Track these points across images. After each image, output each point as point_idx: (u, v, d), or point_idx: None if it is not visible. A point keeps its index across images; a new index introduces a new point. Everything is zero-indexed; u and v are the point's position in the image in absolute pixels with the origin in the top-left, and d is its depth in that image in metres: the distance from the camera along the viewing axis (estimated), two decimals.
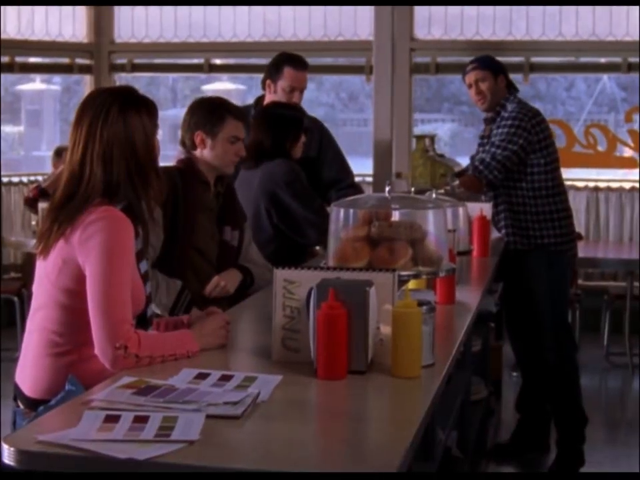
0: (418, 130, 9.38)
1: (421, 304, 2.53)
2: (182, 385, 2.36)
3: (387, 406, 2.39)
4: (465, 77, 5.11)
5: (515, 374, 6.69)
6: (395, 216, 2.97)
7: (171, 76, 15.46)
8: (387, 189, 3.01)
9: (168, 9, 8.71)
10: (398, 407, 2.37)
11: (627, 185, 8.26)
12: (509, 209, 5.05)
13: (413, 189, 4.37)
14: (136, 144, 2.71)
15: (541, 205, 5.03)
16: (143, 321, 2.85)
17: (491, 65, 5.11)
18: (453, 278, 3.33)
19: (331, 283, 2.50)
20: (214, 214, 3.94)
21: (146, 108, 2.76)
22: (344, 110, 18.97)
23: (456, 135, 18.72)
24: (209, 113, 3.87)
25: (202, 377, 2.44)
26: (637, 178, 8.03)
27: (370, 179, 8.49)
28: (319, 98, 19.19)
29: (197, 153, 3.90)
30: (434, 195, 4.14)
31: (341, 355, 2.44)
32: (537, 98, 17.77)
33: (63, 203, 2.69)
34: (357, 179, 7.55)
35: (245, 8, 8.57)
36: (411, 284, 2.96)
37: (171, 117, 17.79)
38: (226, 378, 2.42)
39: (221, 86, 13.97)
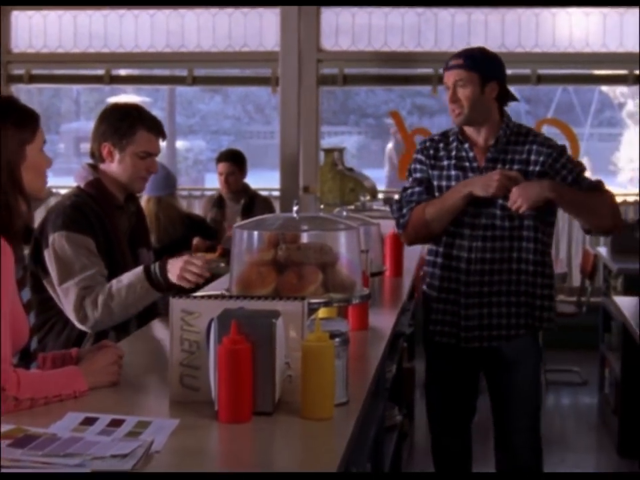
0: (325, 143, 9.21)
1: (333, 336, 2.31)
2: (65, 433, 2.09)
3: (296, 452, 2.15)
4: (444, 74, 3.70)
5: None
6: (304, 238, 2.74)
7: (75, 87, 15.12)
8: (295, 208, 2.78)
9: (67, 18, 8.42)
10: (309, 453, 2.13)
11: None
12: (517, 278, 3.75)
13: (322, 206, 4.15)
14: None
15: (551, 267, 3.82)
16: (26, 355, 2.59)
17: (481, 65, 3.64)
18: (367, 304, 3.12)
19: (234, 314, 2.27)
20: (126, 237, 3.58)
21: (13, 119, 2.45)
22: (250, 122, 18.81)
23: (363, 148, 18.65)
24: (119, 122, 3.49)
25: (89, 422, 2.18)
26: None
27: (277, 193, 8.28)
28: (224, 110, 18.98)
29: (104, 166, 3.54)
30: (344, 213, 3.93)
31: (245, 394, 2.20)
32: (443, 110, 17.83)
33: None
34: (264, 193, 7.38)
35: (146, 17, 8.32)
36: (322, 312, 2.74)
37: (74, 129, 17.43)
38: (116, 423, 2.16)
39: (125, 98, 13.74)
